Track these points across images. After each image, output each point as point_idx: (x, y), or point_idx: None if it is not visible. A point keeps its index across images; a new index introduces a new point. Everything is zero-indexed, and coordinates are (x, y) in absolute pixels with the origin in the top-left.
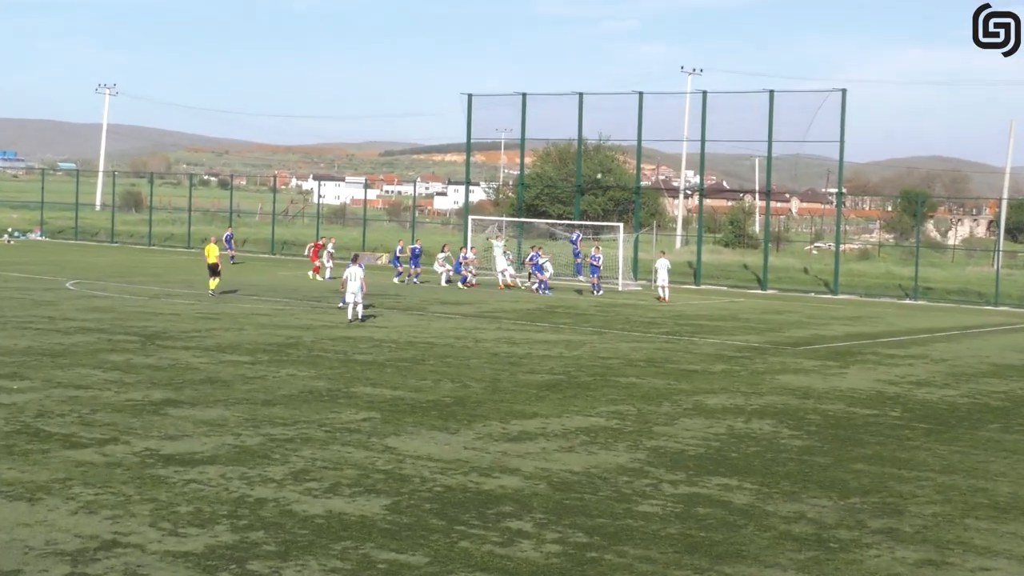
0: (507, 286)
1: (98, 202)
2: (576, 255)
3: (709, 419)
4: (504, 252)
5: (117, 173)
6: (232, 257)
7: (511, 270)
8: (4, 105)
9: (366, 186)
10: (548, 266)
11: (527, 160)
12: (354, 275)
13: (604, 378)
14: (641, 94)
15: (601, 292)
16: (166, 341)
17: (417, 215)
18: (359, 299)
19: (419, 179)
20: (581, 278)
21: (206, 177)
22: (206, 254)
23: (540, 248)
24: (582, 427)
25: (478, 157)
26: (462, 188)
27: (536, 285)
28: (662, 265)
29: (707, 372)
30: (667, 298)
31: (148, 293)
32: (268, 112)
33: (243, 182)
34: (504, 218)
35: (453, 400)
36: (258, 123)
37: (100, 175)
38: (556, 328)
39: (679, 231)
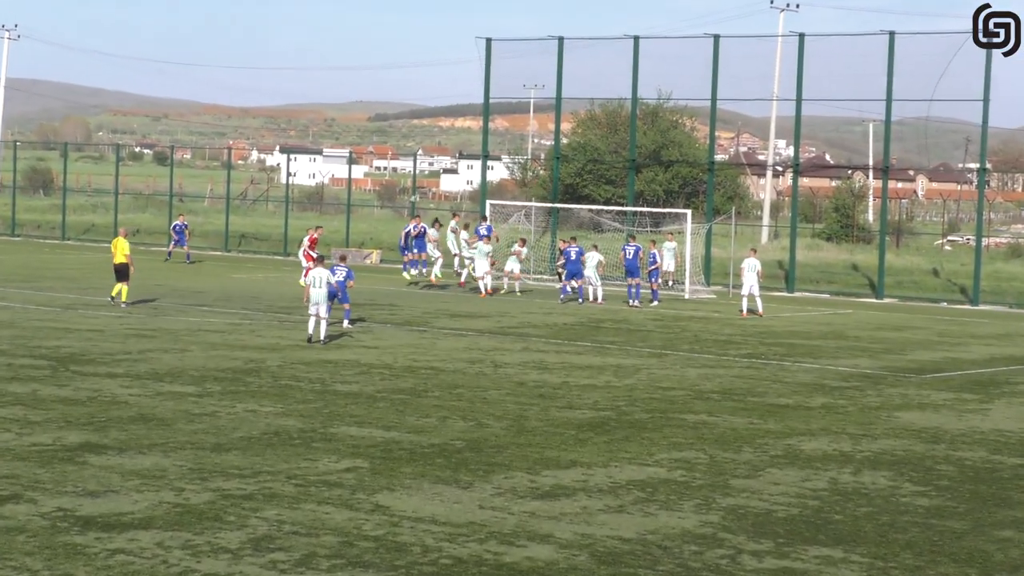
0: (488, 291)
1: None
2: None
3: (805, 470)
4: (460, 238)
5: (19, 143)
6: (188, 255)
7: (486, 269)
8: None
9: (351, 161)
10: (591, 272)
11: (564, 126)
12: (319, 280)
13: (665, 415)
14: (716, 38)
15: (657, 302)
16: (85, 366)
17: (418, 199)
18: (323, 312)
19: (420, 151)
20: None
21: (138, 149)
22: (112, 250)
23: (571, 242)
24: (636, 480)
25: (499, 122)
26: (477, 164)
27: (578, 292)
28: (750, 267)
29: (802, 408)
30: (760, 311)
31: (61, 302)
32: (220, 63)
33: (187, 155)
34: (533, 203)
35: (465, 444)
36: (207, 77)
37: None
38: (602, 349)
39: (766, 220)
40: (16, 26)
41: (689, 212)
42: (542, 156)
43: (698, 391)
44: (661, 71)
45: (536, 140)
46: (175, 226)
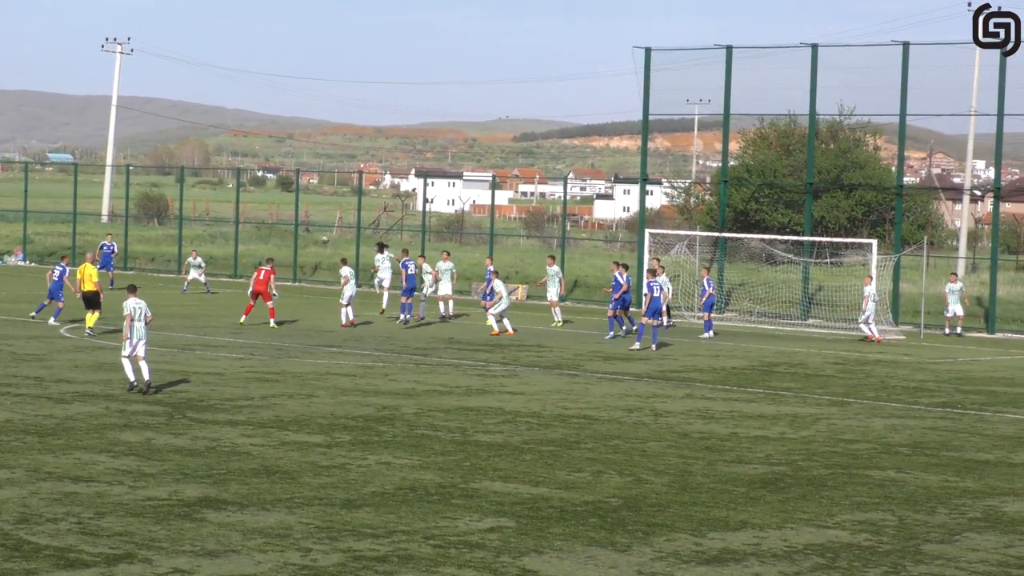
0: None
1: (105, 209)
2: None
3: (1008, 535)
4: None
5: (132, 167)
6: (206, 284)
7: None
8: None
9: (494, 185)
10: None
11: (732, 146)
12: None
13: (847, 471)
14: (906, 45)
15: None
16: (203, 413)
17: (569, 228)
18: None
19: (571, 175)
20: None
21: (260, 173)
22: (79, 277)
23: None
24: (814, 544)
25: (659, 141)
26: (634, 188)
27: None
28: (955, 293)
29: (1005, 464)
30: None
31: (177, 343)
32: (350, 78)
33: (314, 180)
34: (697, 232)
35: (622, 502)
36: (336, 93)
37: (108, 171)
38: (775, 396)
39: (962, 251)
40: (129, 39)
41: (875, 242)
42: (707, 179)
43: (885, 444)
44: (842, 83)
45: (700, 161)
46: (105, 247)
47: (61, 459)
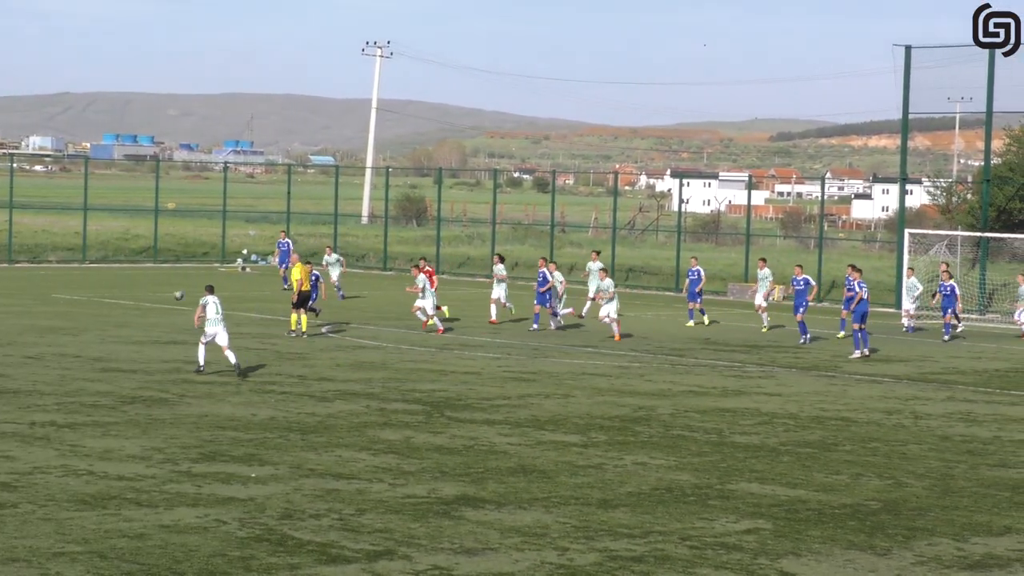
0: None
1: (365, 211)
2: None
3: None
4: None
5: (391, 169)
6: (337, 286)
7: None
8: (235, 77)
9: (750, 185)
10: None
11: (996, 144)
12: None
13: None
14: None
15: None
16: (460, 412)
17: (826, 228)
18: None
19: (828, 174)
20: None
21: (516, 174)
22: (292, 277)
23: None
24: None
25: (919, 140)
26: (893, 188)
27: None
28: None
29: None
30: None
31: (435, 343)
32: (605, 79)
33: (570, 181)
34: (959, 232)
35: (881, 505)
36: (591, 94)
37: (368, 173)
38: None
39: None
40: (388, 43)
41: None
42: (969, 178)
43: None
44: None
45: (962, 160)
46: (281, 244)
47: (323, 456)
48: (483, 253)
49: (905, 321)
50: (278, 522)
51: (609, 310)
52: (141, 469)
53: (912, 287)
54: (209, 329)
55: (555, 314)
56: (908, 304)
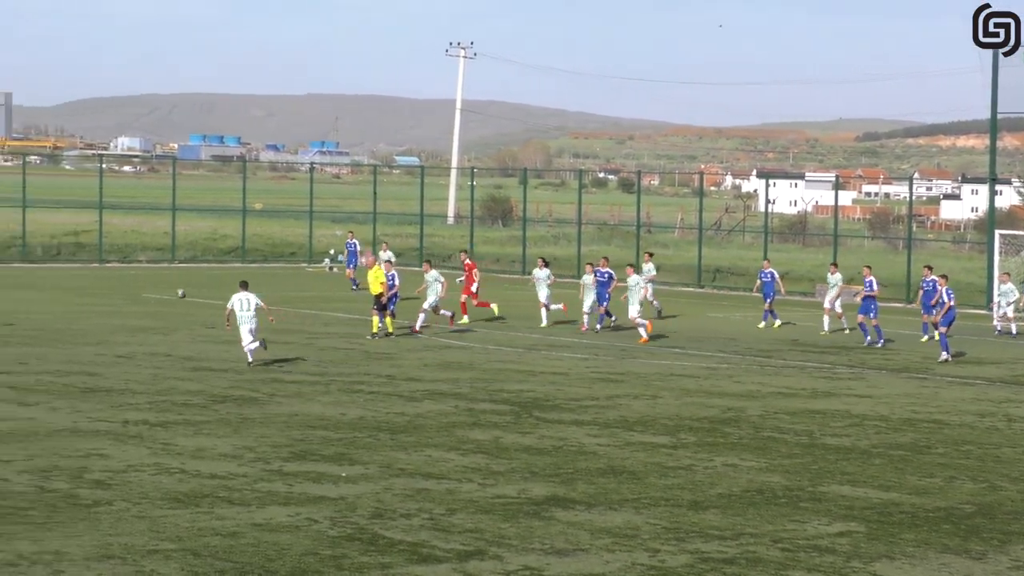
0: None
1: (450, 212)
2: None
3: None
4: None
5: (476, 170)
6: (354, 282)
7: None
8: (320, 78)
9: (837, 186)
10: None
11: None
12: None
13: None
14: None
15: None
16: (548, 412)
17: (915, 229)
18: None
19: (916, 175)
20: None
21: (601, 175)
22: (371, 280)
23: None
24: None
25: (1008, 140)
26: (982, 188)
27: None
28: None
29: None
30: None
31: (523, 343)
32: (690, 79)
33: (655, 181)
34: None
35: (976, 508)
36: (676, 95)
37: (453, 173)
38: None
39: None
40: (472, 44)
41: None
42: None
43: None
44: None
45: None
46: (349, 245)
47: (412, 456)
48: (569, 253)
49: (998, 324)
50: (369, 521)
51: (637, 311)
52: (233, 468)
53: (1008, 292)
54: (242, 327)
55: (607, 315)
56: (1004, 308)
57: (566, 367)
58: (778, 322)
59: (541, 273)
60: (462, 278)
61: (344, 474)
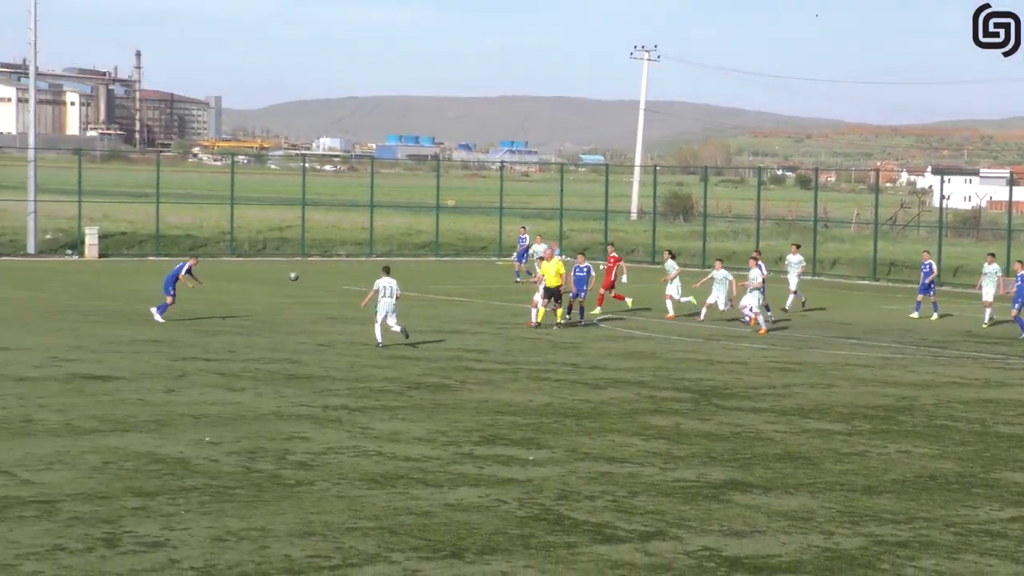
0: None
1: (633, 208)
2: None
3: None
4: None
5: (659, 168)
6: (517, 273)
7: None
8: (511, 80)
9: (1011, 182)
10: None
11: None
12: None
13: None
14: None
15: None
16: (727, 400)
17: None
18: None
19: None
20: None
21: (779, 172)
22: (547, 272)
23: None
24: None
25: None
26: None
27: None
28: None
29: None
30: None
31: (703, 333)
32: (866, 79)
33: (832, 178)
34: None
35: None
36: (852, 94)
37: (636, 171)
38: None
39: None
40: (656, 47)
41: None
42: None
43: None
44: None
45: None
46: (522, 240)
47: (596, 441)
48: (747, 248)
49: None
50: (555, 502)
51: (751, 301)
52: (426, 451)
53: None
54: (381, 308)
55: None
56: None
57: (745, 357)
58: (935, 315)
59: (670, 264)
60: (604, 266)
61: (531, 457)
